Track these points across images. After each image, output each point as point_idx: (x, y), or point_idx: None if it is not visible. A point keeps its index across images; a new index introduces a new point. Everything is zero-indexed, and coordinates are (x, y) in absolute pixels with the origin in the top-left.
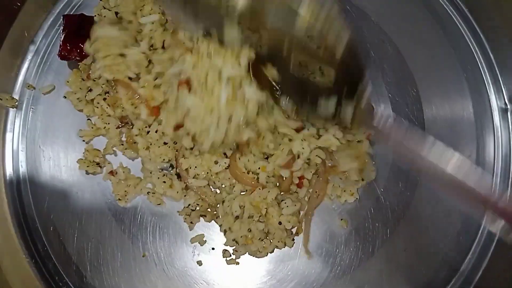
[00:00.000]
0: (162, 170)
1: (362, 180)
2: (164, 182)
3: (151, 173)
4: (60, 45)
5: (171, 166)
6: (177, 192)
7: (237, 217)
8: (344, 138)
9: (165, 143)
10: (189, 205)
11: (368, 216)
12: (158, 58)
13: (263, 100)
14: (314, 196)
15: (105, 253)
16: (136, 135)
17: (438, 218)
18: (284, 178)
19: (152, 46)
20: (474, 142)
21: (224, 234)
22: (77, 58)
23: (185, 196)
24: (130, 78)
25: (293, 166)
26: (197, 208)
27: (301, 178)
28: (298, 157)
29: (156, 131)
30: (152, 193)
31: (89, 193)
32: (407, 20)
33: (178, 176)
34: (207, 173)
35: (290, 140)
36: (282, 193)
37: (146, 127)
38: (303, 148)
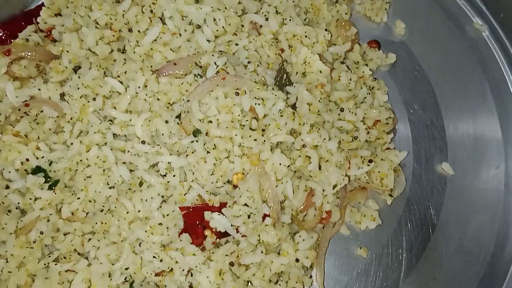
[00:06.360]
0: None
1: (390, 195)
2: None
3: None
4: None
5: None
6: None
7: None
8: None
9: None
10: None
11: (390, 241)
12: None
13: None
14: (330, 225)
15: None
16: None
17: (469, 238)
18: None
19: None
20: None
21: None
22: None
23: None
24: None
25: (315, 201)
26: None
27: (329, 212)
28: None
29: None
30: None
31: None
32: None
33: None
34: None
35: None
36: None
37: None
38: (343, 179)
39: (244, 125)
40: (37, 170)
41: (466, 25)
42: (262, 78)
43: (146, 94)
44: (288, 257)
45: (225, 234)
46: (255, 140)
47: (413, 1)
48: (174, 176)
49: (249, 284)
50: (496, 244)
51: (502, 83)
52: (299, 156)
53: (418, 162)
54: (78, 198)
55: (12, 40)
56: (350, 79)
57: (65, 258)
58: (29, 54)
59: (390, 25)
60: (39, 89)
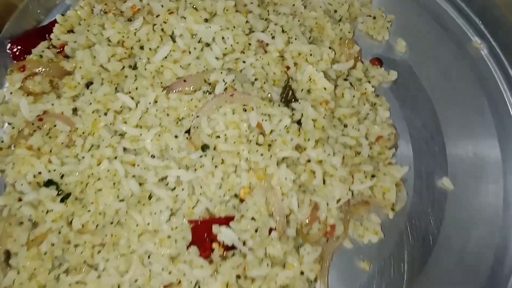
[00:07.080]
0: None
1: (392, 209)
2: None
3: None
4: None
5: None
6: None
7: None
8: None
9: None
10: None
11: (391, 255)
12: None
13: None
14: (333, 239)
15: None
16: None
17: (469, 252)
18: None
19: None
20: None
21: None
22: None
23: None
24: None
25: (320, 214)
26: None
27: (333, 226)
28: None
29: None
30: None
31: None
32: (438, 60)
33: None
34: None
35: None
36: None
37: None
38: (347, 194)
39: (251, 141)
40: (49, 183)
41: (465, 43)
42: (269, 95)
43: (156, 110)
44: (293, 270)
45: (232, 247)
46: (262, 155)
47: (414, 20)
48: (182, 189)
49: None
50: (495, 257)
51: (500, 100)
52: (304, 171)
53: (419, 177)
54: (89, 211)
55: (26, 56)
56: (353, 96)
57: (75, 269)
58: (43, 70)
59: (392, 43)
60: (52, 104)
